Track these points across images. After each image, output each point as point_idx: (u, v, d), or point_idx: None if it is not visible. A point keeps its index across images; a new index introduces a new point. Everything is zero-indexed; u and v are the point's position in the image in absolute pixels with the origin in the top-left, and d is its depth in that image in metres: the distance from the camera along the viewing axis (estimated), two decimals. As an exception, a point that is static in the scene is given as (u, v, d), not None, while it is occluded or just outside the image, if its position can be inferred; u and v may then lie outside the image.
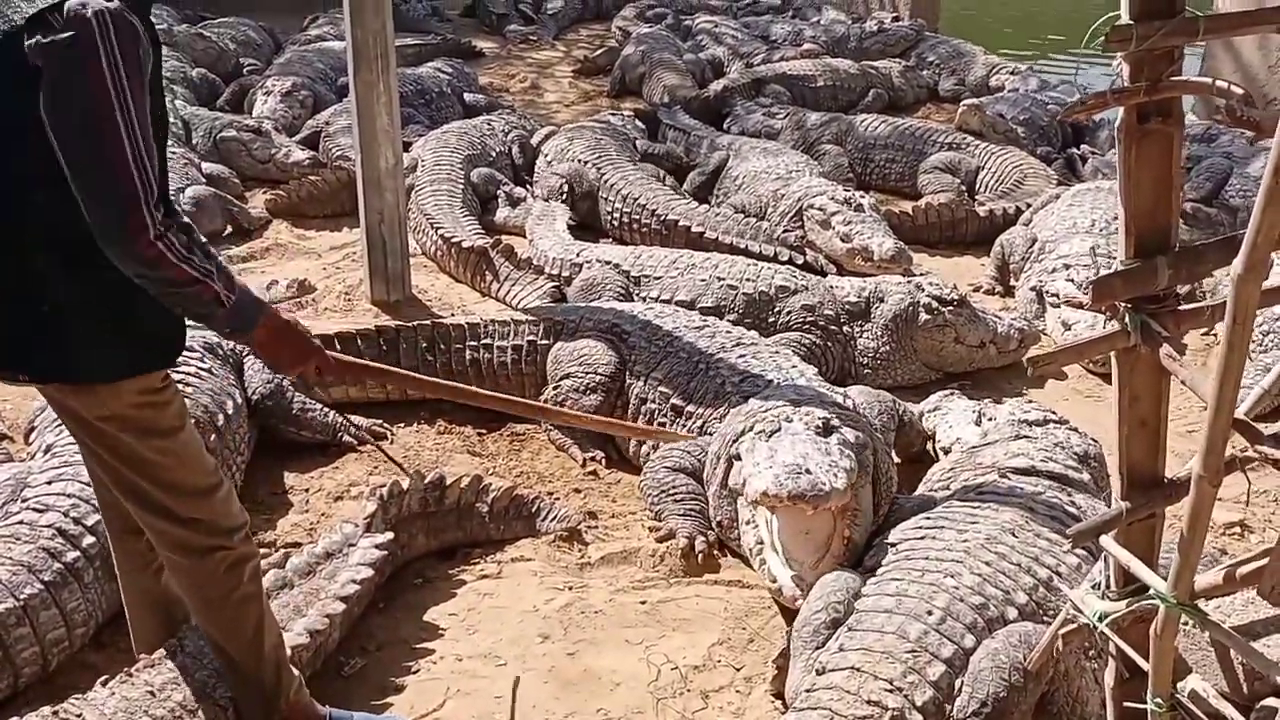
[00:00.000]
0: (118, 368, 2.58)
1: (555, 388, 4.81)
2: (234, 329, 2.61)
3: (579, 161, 7.41)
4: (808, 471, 3.53)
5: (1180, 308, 2.26)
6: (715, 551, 4.00)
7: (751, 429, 3.91)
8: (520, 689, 3.34)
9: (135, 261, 2.41)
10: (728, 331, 4.86)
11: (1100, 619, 2.49)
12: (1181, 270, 2.18)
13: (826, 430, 3.79)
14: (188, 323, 2.69)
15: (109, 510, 2.96)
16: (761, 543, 3.69)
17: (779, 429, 3.82)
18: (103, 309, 2.53)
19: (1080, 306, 5.47)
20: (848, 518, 3.64)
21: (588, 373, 4.76)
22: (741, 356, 4.64)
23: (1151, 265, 2.15)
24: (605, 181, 7.21)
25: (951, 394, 4.85)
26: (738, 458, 3.88)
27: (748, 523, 3.80)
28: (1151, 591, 2.24)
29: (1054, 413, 4.32)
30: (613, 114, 8.80)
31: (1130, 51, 2.01)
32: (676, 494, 4.14)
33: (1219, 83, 1.89)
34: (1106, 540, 2.44)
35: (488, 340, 5.05)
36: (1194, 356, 5.09)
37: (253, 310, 2.62)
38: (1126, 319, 2.20)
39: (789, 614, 3.66)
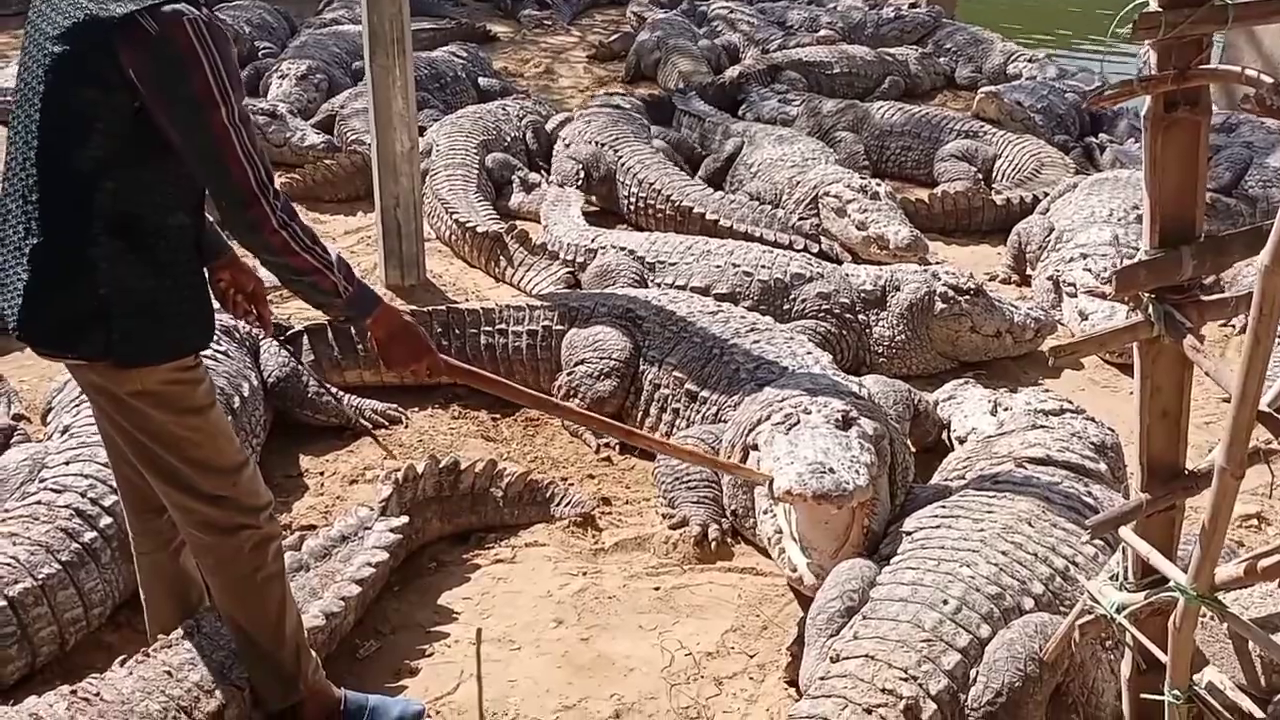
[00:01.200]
0: (164, 349, 2.65)
1: (570, 374, 4.81)
2: (352, 318, 2.82)
3: (597, 144, 7.39)
4: (831, 470, 3.51)
5: (1204, 299, 2.25)
6: (729, 540, 4.00)
7: (768, 419, 3.90)
8: (527, 670, 3.36)
9: (264, 249, 2.59)
10: (742, 317, 4.85)
11: (1118, 610, 2.48)
12: (1206, 260, 2.17)
13: (846, 424, 3.78)
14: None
15: (129, 490, 2.98)
16: (780, 532, 3.68)
17: (798, 422, 3.81)
18: (153, 293, 2.61)
19: (1104, 296, 5.44)
20: (867, 508, 3.63)
21: (602, 359, 4.76)
22: (756, 343, 4.62)
23: (1176, 255, 2.14)
24: (623, 165, 7.19)
25: (966, 383, 4.83)
26: (754, 447, 3.87)
27: (765, 512, 3.79)
28: (1171, 583, 2.23)
29: (1070, 402, 4.30)
30: (619, 95, 8.73)
31: (1159, 39, 1.99)
32: (690, 481, 4.14)
33: (1249, 71, 1.87)
34: (1125, 532, 2.44)
35: (502, 326, 5.05)
36: (1211, 347, 5.07)
37: (369, 304, 2.80)
38: (1150, 309, 2.19)
39: (803, 602, 3.66)
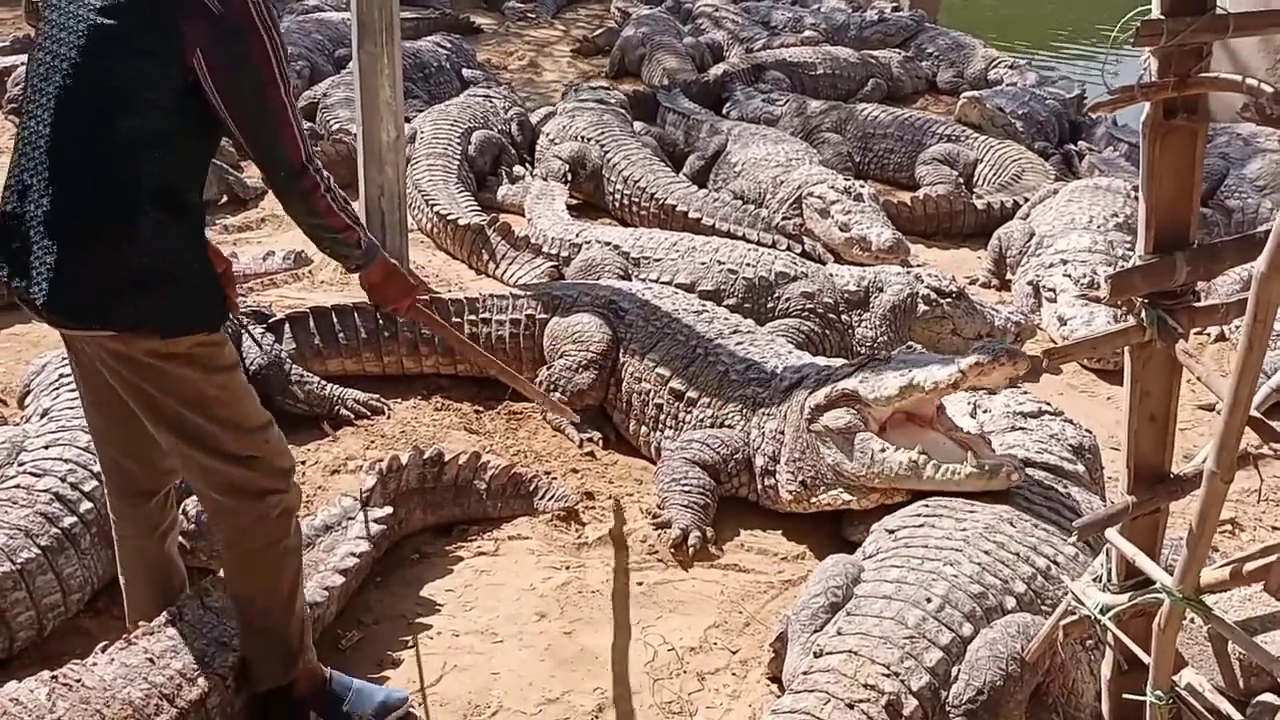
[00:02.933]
0: (203, 319, 2.70)
1: (550, 368, 4.79)
2: (359, 266, 2.97)
3: (583, 139, 7.38)
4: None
5: (1195, 304, 2.28)
6: (710, 548, 3.99)
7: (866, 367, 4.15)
8: (509, 663, 3.37)
9: (311, 214, 2.76)
10: (725, 319, 4.85)
11: (1102, 611, 2.51)
12: (1200, 267, 2.20)
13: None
14: None
15: (117, 473, 2.96)
16: (920, 456, 3.79)
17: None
18: (190, 264, 2.68)
19: (1098, 300, 5.50)
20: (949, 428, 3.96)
21: (580, 351, 4.75)
22: (740, 344, 4.64)
23: (1170, 261, 2.17)
24: (609, 161, 7.19)
25: None
26: (835, 404, 4.03)
27: (881, 451, 3.85)
28: (1157, 585, 2.26)
29: (1048, 404, 4.34)
30: (603, 89, 8.69)
31: (1159, 47, 2.01)
32: (686, 485, 4.13)
33: (1249, 80, 1.90)
34: (1111, 534, 2.47)
35: (486, 315, 5.04)
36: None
37: (374, 252, 2.99)
38: (1143, 314, 2.21)
39: (785, 599, 3.69)
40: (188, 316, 2.67)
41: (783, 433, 4.15)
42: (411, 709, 3.19)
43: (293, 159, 2.66)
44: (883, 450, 3.86)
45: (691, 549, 3.94)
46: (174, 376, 2.68)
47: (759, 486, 4.21)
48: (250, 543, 2.86)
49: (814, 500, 4.06)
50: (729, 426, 4.32)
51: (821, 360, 4.48)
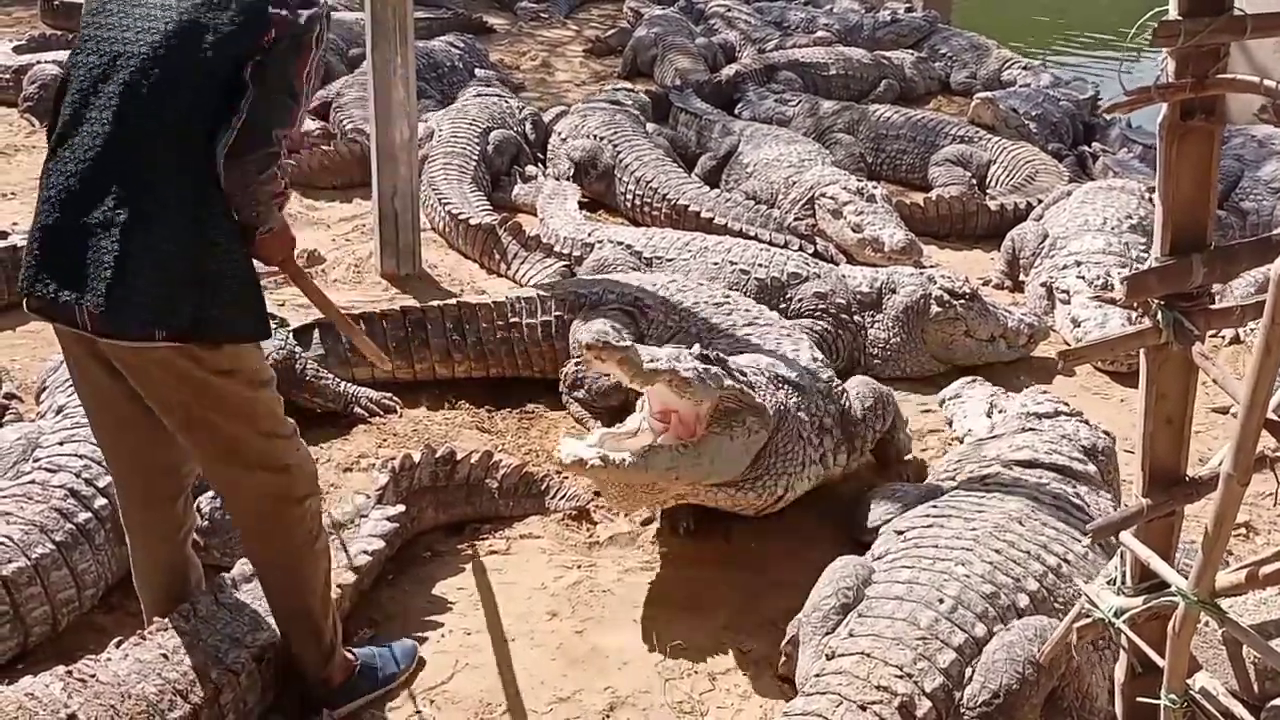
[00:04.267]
0: (256, 327, 2.72)
1: (577, 364, 4.80)
2: (272, 228, 2.81)
3: (595, 138, 7.38)
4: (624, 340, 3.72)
5: (1211, 306, 2.27)
6: (723, 543, 3.98)
7: None
8: (521, 662, 3.38)
9: (265, 179, 2.66)
10: (746, 310, 4.84)
11: (1116, 615, 2.50)
12: (1216, 269, 2.19)
13: (706, 359, 3.63)
14: None
15: (136, 481, 2.96)
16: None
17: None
18: (247, 270, 2.70)
19: (1113, 302, 5.48)
20: (675, 436, 3.51)
21: None
22: (748, 334, 4.62)
23: (1187, 263, 2.16)
24: (621, 162, 7.19)
25: (974, 381, 4.85)
26: None
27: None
28: (1172, 589, 2.25)
29: (1066, 405, 4.32)
30: (623, 91, 8.72)
31: (1177, 47, 2.01)
32: None
33: (1268, 82, 1.89)
34: (1126, 536, 2.46)
35: (515, 319, 5.03)
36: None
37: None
38: (1159, 316, 2.20)
39: (797, 599, 3.67)
40: (242, 325, 2.68)
41: None
42: (422, 708, 3.20)
43: (275, 156, 2.65)
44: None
45: (683, 529, 3.95)
46: (225, 391, 2.69)
47: None
48: (288, 544, 2.90)
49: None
50: None
51: (802, 358, 4.37)
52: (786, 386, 3.98)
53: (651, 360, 3.41)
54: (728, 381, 3.61)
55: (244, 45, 2.53)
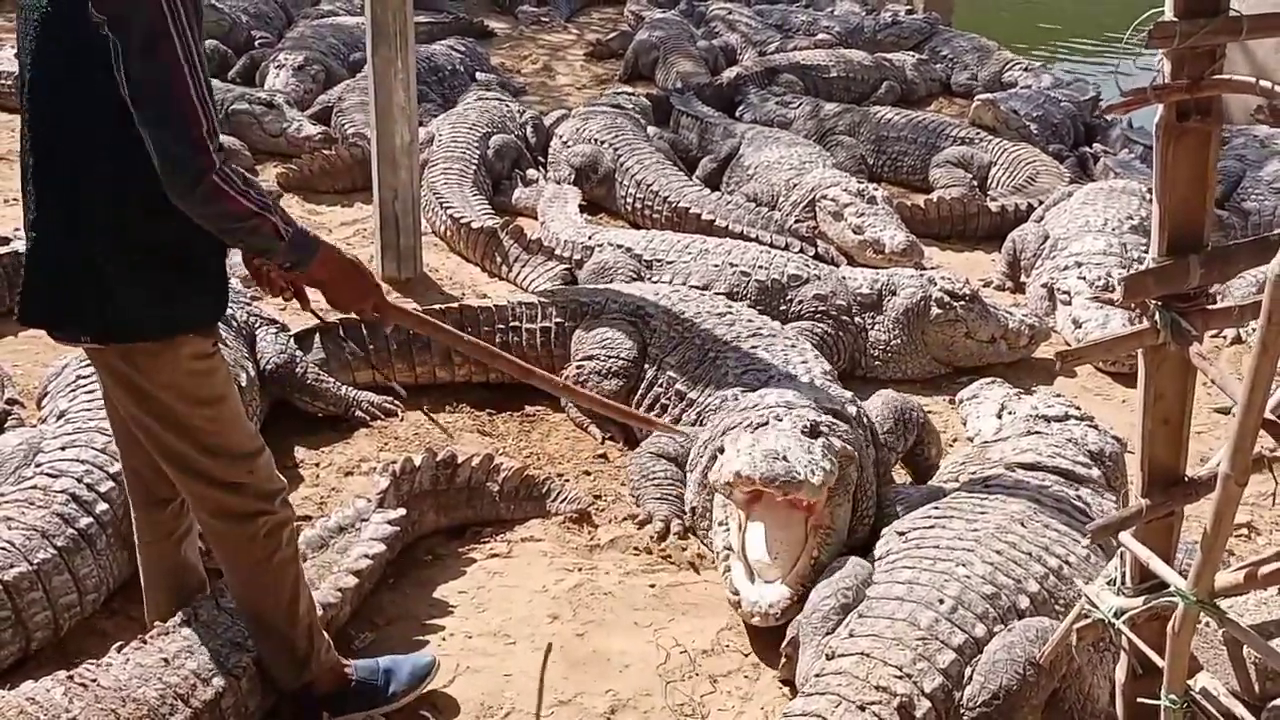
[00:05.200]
0: (178, 323, 2.60)
1: (578, 367, 4.80)
2: (293, 263, 2.60)
3: (596, 142, 7.39)
4: (785, 459, 3.46)
5: (1209, 307, 2.27)
6: (689, 536, 3.99)
7: (740, 424, 3.84)
8: (522, 665, 3.38)
9: (199, 198, 2.40)
10: (749, 320, 4.83)
11: (1116, 615, 2.50)
12: (1213, 269, 2.19)
13: (814, 433, 3.67)
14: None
15: (135, 481, 2.98)
16: (730, 549, 3.62)
17: (767, 423, 3.74)
18: (166, 264, 2.55)
19: (1111, 303, 5.48)
20: (819, 536, 3.56)
21: (609, 357, 4.76)
22: (754, 347, 4.62)
23: (1184, 263, 2.16)
24: (622, 165, 7.20)
25: (993, 383, 4.83)
26: (722, 450, 3.78)
27: (721, 524, 3.73)
28: (1172, 589, 2.25)
29: (1077, 408, 4.31)
30: (624, 95, 8.72)
31: (1173, 48, 2.01)
32: (655, 478, 4.15)
33: (1263, 83, 1.89)
34: (1125, 537, 2.46)
35: (515, 323, 5.03)
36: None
37: (312, 244, 2.61)
38: (1156, 316, 2.20)
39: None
40: (162, 320, 2.56)
41: (701, 453, 4.04)
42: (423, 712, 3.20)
43: (188, 124, 2.33)
44: (721, 523, 3.74)
45: (674, 536, 3.95)
46: (163, 405, 2.64)
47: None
48: (244, 559, 2.85)
49: (700, 532, 3.96)
50: (704, 425, 4.29)
51: (814, 375, 4.37)
52: (846, 422, 3.95)
53: (810, 474, 3.45)
54: (837, 444, 3.68)
55: (77, 16, 2.33)
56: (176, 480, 2.80)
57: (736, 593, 3.51)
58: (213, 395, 2.70)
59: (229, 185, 2.41)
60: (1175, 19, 1.98)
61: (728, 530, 3.68)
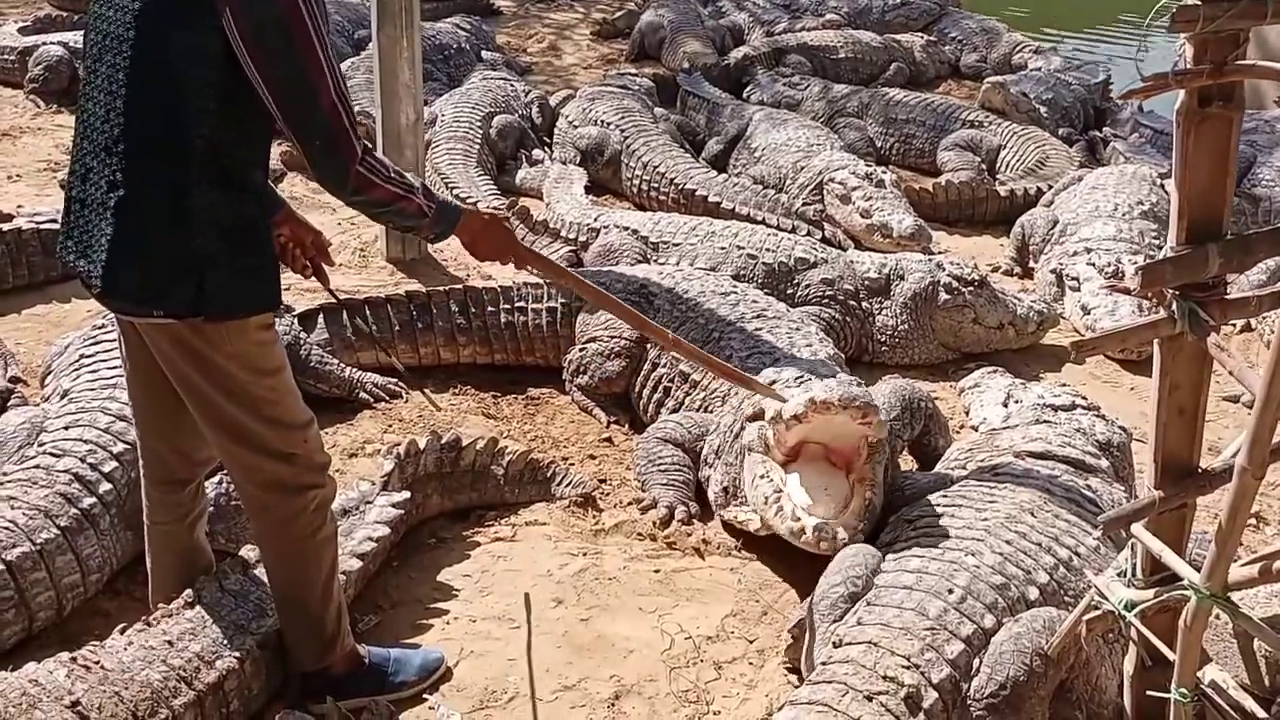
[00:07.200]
0: (253, 302, 2.66)
1: (581, 350, 4.78)
2: (440, 234, 2.84)
3: (603, 124, 7.34)
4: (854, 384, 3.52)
5: (1227, 296, 2.24)
6: (694, 523, 3.97)
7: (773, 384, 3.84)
8: (533, 653, 3.36)
9: (350, 190, 2.60)
10: (754, 301, 4.79)
11: (1127, 607, 2.48)
12: (1232, 258, 2.16)
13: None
14: None
15: (153, 460, 2.97)
16: (780, 491, 3.61)
17: (807, 379, 3.78)
18: (250, 242, 2.64)
19: (1127, 291, 5.44)
20: (867, 483, 3.60)
21: (612, 337, 4.73)
22: (759, 329, 4.59)
23: (1203, 252, 2.13)
24: (629, 147, 7.15)
25: (995, 371, 4.80)
26: (758, 416, 3.78)
27: (762, 476, 3.71)
28: (1184, 582, 2.23)
29: (1084, 398, 4.28)
30: (630, 75, 8.66)
31: (1196, 33, 1.97)
32: (662, 464, 4.13)
33: (1288, 68, 1.85)
34: (1137, 528, 2.44)
35: (521, 304, 5.01)
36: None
37: (454, 213, 2.83)
38: (1174, 306, 2.17)
39: (803, 588, 3.66)
40: (238, 301, 2.63)
41: (730, 430, 4.03)
42: (427, 696, 3.19)
43: (331, 124, 2.50)
44: (762, 476, 3.69)
45: (679, 523, 3.93)
46: (228, 375, 2.67)
47: (699, 476, 4.13)
48: (288, 534, 2.88)
49: (729, 512, 3.92)
50: (710, 411, 4.28)
51: (820, 358, 4.34)
52: None
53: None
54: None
55: (198, 10, 2.43)
56: (226, 455, 2.82)
57: (797, 519, 3.52)
58: (274, 365, 2.75)
59: (374, 174, 2.61)
60: (1199, 2, 1.94)
61: (769, 480, 3.67)
